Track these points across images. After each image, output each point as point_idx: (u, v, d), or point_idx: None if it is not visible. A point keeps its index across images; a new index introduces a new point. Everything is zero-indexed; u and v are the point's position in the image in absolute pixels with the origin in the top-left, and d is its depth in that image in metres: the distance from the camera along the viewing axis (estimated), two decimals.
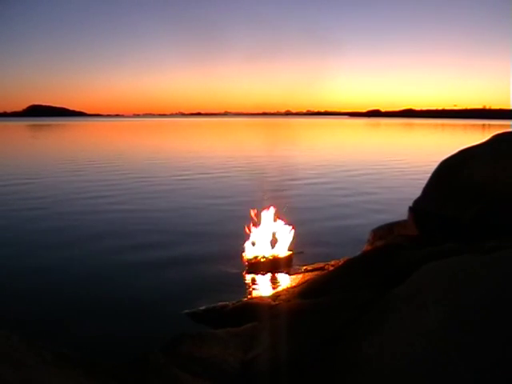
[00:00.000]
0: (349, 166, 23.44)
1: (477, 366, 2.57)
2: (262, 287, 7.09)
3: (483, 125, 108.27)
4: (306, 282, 6.44)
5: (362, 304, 4.15)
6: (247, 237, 8.11)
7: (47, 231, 10.44)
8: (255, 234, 8.09)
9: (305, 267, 7.60)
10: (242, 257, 7.96)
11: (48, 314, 6.07)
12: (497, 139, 7.02)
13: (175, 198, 14.82)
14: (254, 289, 7.05)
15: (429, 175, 7.33)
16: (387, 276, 4.70)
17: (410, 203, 7.12)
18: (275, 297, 6.08)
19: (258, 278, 7.46)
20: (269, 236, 8.14)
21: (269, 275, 7.55)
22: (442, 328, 3.04)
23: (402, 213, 7.46)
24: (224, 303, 6.08)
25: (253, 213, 8.23)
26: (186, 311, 6.02)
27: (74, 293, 6.80)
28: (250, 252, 7.95)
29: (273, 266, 7.78)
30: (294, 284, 6.72)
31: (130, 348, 5.00)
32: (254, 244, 8.03)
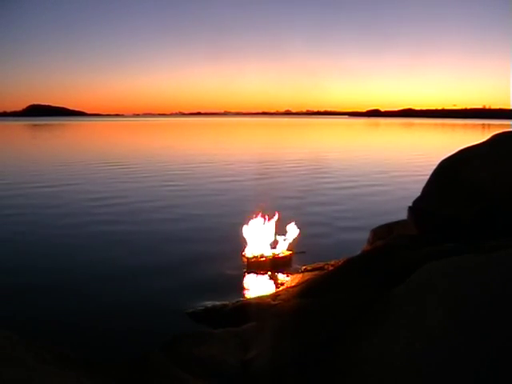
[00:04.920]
0: (350, 166, 23.45)
1: (477, 366, 2.57)
2: (262, 287, 7.09)
3: (483, 125, 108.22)
4: (305, 281, 6.43)
5: (361, 304, 4.14)
6: (247, 236, 8.11)
7: (47, 233, 10.43)
8: (255, 233, 8.09)
9: (304, 267, 7.60)
10: (241, 257, 7.96)
11: (48, 314, 6.07)
12: (497, 139, 7.02)
13: (174, 198, 14.81)
14: (253, 289, 7.05)
15: (428, 175, 7.32)
16: (387, 276, 4.69)
17: (410, 203, 7.11)
18: (275, 297, 6.08)
19: (258, 277, 7.46)
20: (269, 235, 8.14)
21: (269, 275, 7.55)
22: (441, 328, 3.04)
23: (401, 213, 7.45)
24: (224, 303, 6.08)
25: (253, 214, 8.24)
26: (186, 311, 6.02)
27: (75, 293, 6.80)
28: (249, 252, 7.95)
29: (273, 265, 7.78)
30: (293, 284, 6.72)
31: (130, 348, 5.00)
32: (254, 244, 8.03)
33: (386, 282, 4.44)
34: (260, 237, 8.07)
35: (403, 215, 7.27)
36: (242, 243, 8.11)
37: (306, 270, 7.45)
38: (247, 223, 8.17)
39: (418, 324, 3.23)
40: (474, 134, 56.81)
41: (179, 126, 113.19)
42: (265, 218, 8.21)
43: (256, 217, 8.19)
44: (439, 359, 2.77)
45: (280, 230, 8.27)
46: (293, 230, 8.23)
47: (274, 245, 8.15)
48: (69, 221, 11.40)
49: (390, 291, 4.05)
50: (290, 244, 8.21)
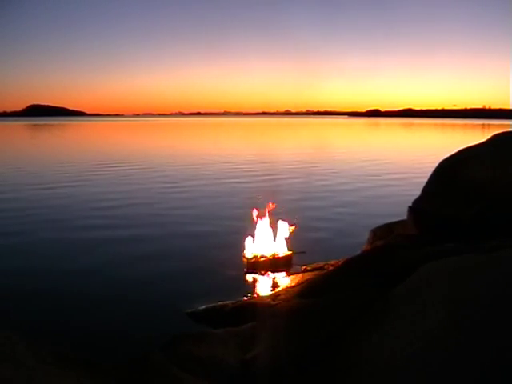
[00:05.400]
0: (350, 166, 23.45)
1: (477, 366, 2.57)
2: (262, 287, 7.09)
3: (483, 125, 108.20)
4: (305, 281, 6.43)
5: (362, 304, 4.14)
6: (247, 237, 8.11)
7: (47, 234, 10.43)
8: (255, 233, 8.09)
9: (304, 267, 7.59)
10: (241, 257, 7.96)
11: (48, 315, 6.07)
12: (497, 139, 7.02)
13: (175, 199, 14.80)
14: (253, 289, 7.05)
15: (428, 175, 7.32)
16: (387, 276, 4.70)
17: (410, 203, 7.11)
18: (275, 296, 6.08)
19: (258, 277, 7.46)
20: (269, 235, 8.14)
21: (269, 275, 7.55)
22: (441, 327, 3.04)
23: (401, 213, 7.45)
24: (224, 303, 6.08)
25: (254, 213, 8.24)
26: (186, 311, 6.02)
27: (75, 293, 6.79)
28: (249, 252, 7.95)
29: (273, 265, 7.78)
30: (293, 284, 6.71)
31: (130, 348, 5.00)
32: (253, 244, 8.03)
33: (386, 282, 4.44)
34: (260, 237, 8.07)
35: (403, 215, 7.27)
36: (242, 243, 8.11)
37: (306, 270, 7.45)
38: (248, 223, 8.17)
39: (417, 324, 3.23)
40: (474, 134, 56.77)
41: (179, 126, 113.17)
42: (265, 217, 8.22)
43: (257, 217, 8.19)
44: (439, 359, 2.77)
45: (280, 230, 8.27)
46: (292, 230, 8.23)
47: (274, 244, 8.14)
48: (69, 222, 11.40)
49: (389, 291, 4.06)
50: (290, 244, 8.20)
